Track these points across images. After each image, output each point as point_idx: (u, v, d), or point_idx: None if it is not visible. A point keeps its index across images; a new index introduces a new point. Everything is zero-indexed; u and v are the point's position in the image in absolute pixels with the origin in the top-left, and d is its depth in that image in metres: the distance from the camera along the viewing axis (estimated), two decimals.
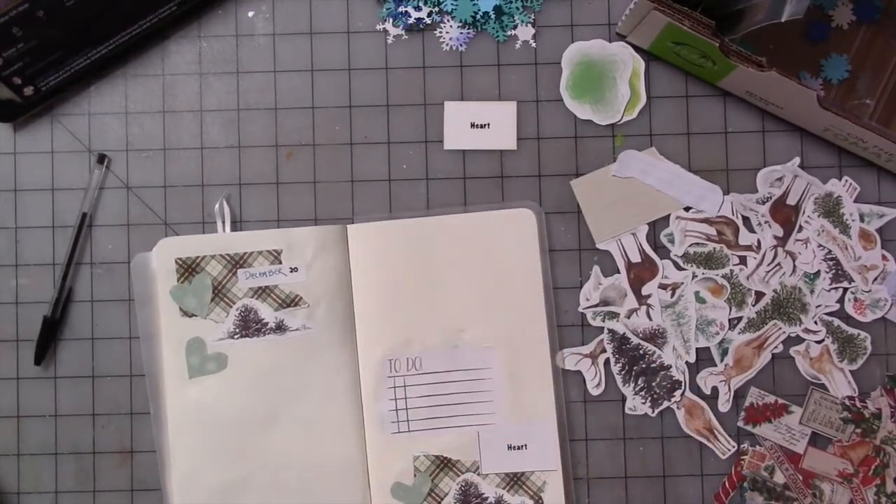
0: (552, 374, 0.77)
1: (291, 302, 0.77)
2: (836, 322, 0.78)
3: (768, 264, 0.78)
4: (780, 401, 0.78)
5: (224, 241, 0.78)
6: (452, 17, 0.80)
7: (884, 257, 0.78)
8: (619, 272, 0.79)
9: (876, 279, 0.78)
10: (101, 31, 0.77)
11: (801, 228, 0.78)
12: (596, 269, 0.79)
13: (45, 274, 0.80)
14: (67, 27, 0.76)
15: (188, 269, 0.78)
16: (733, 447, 0.78)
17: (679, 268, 0.79)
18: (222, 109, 0.80)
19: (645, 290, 0.78)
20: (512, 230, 0.78)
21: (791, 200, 0.78)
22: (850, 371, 0.78)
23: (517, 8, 0.80)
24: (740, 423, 0.78)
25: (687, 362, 0.78)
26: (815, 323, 0.78)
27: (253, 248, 0.78)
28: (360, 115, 0.80)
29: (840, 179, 0.79)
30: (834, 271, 0.78)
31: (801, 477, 0.77)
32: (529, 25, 0.80)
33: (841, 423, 0.78)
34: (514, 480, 0.77)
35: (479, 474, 0.77)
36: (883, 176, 0.79)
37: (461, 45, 0.80)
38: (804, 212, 0.78)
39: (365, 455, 0.77)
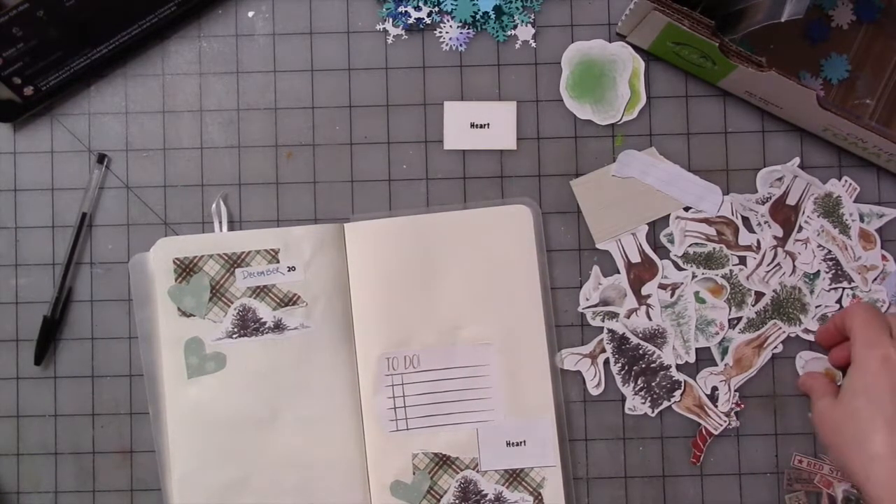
0: (550, 370, 0.77)
1: (289, 301, 0.77)
2: None
3: (768, 264, 0.78)
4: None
5: (221, 240, 0.78)
6: (452, 17, 0.80)
7: (883, 257, 0.78)
8: (618, 272, 0.79)
9: (875, 279, 0.78)
10: (101, 30, 0.77)
11: (800, 228, 0.78)
12: (596, 269, 0.79)
13: (44, 274, 0.80)
14: (67, 27, 0.76)
15: (186, 268, 0.78)
16: (724, 422, 0.78)
17: (679, 268, 0.78)
18: (222, 109, 0.80)
19: (645, 290, 0.78)
20: (508, 226, 0.78)
21: (791, 200, 0.78)
22: None
23: (517, 8, 0.80)
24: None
25: (687, 362, 0.78)
26: (816, 323, 0.78)
27: (250, 248, 0.78)
28: (360, 115, 0.80)
29: (840, 179, 0.79)
30: (833, 271, 0.78)
31: None
32: (529, 25, 0.80)
33: None
34: (514, 477, 0.77)
35: (478, 471, 0.77)
36: (883, 176, 0.79)
37: (461, 45, 0.80)
38: (804, 212, 0.78)
39: (364, 453, 0.77)
